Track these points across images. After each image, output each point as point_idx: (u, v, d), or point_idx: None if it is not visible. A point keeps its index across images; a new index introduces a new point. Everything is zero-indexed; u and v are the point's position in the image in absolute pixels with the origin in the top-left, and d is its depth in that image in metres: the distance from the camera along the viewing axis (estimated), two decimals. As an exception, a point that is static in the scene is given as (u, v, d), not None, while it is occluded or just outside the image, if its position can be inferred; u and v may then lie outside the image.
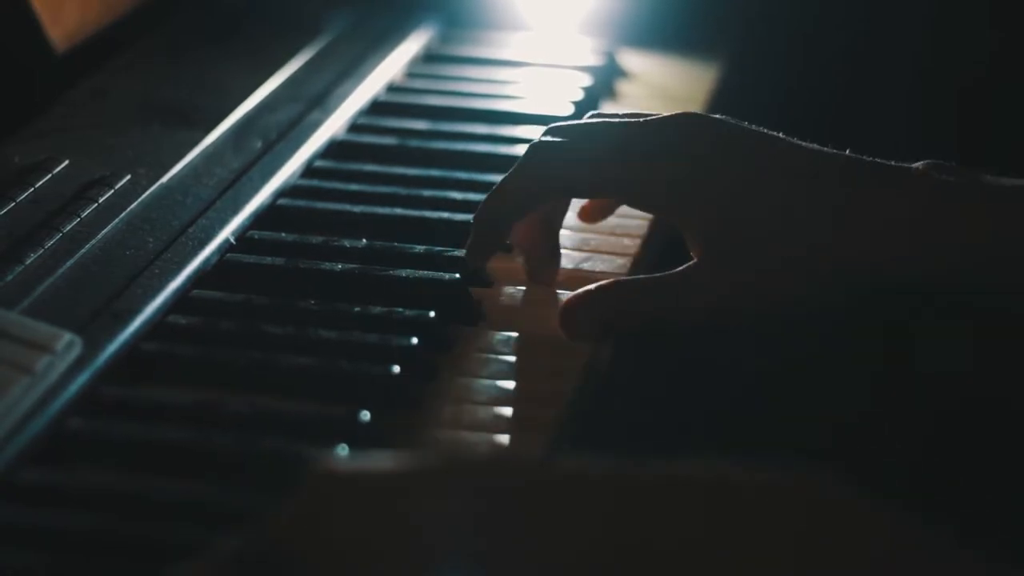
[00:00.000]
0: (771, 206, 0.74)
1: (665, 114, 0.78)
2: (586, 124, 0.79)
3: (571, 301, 0.75)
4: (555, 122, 0.97)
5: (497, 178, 0.86)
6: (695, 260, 0.75)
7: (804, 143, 0.77)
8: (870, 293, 0.74)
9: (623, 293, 0.76)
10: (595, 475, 0.50)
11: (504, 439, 0.68)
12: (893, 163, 0.75)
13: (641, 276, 0.77)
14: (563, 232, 0.85)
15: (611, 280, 0.76)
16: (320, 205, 0.86)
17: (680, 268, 0.75)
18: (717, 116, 0.78)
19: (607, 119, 0.79)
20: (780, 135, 0.77)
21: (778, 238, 0.74)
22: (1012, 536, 0.80)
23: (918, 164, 0.75)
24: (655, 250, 0.86)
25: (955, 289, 0.73)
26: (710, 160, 0.75)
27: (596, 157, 0.77)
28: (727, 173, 0.75)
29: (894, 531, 0.48)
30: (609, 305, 0.75)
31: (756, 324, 0.76)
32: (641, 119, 0.78)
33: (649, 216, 0.86)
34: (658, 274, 0.76)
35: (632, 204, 0.81)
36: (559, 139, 0.78)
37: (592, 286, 0.75)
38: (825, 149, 0.76)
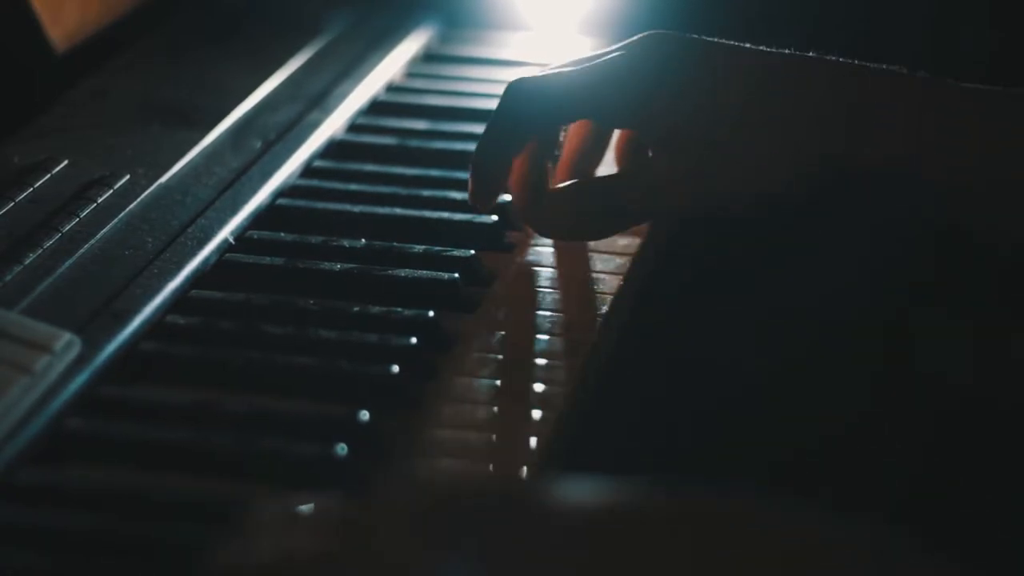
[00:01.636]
0: (733, 110, 0.76)
1: (635, 37, 0.81)
2: (563, 63, 0.82)
3: (530, 212, 0.80)
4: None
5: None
6: (658, 157, 0.78)
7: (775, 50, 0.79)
8: (852, 187, 0.75)
9: (588, 186, 0.80)
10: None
11: (503, 439, 0.68)
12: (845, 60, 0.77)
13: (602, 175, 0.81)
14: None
15: (560, 186, 0.81)
16: (319, 205, 0.86)
17: (644, 166, 0.79)
18: (681, 34, 0.80)
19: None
20: (748, 45, 0.79)
21: (756, 138, 0.76)
22: (1012, 536, 0.80)
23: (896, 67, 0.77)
24: (655, 250, 0.86)
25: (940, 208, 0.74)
26: (678, 74, 0.78)
27: (573, 81, 0.79)
28: (694, 84, 0.78)
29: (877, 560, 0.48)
30: (572, 198, 0.80)
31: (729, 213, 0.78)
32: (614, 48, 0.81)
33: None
34: (619, 172, 0.81)
35: (607, 123, 0.83)
36: (537, 74, 0.81)
37: (559, 186, 0.81)
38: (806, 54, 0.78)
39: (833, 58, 0.77)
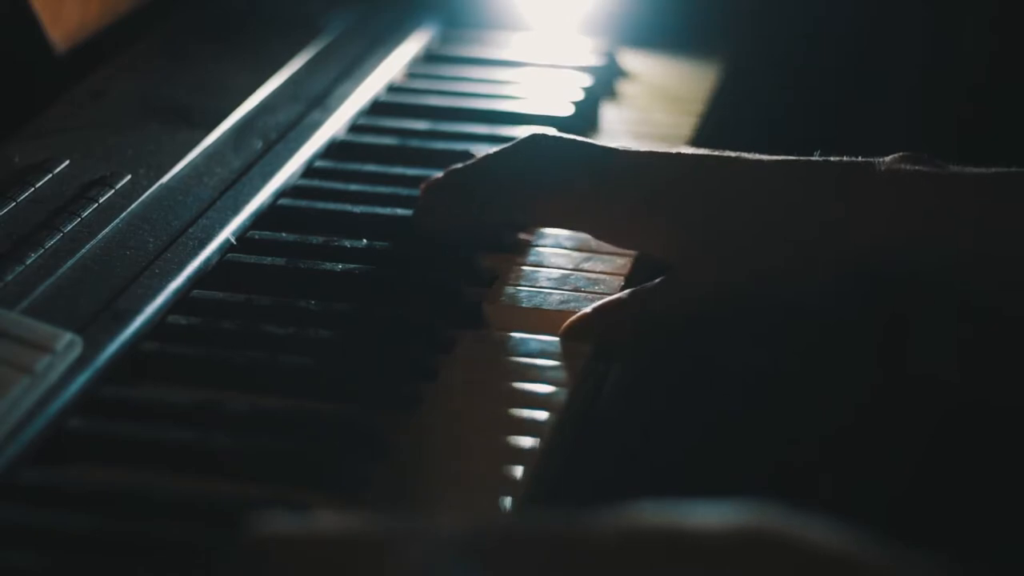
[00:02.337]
0: (738, 216, 0.76)
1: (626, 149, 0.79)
2: (536, 155, 0.80)
3: (567, 330, 0.76)
4: (555, 122, 0.97)
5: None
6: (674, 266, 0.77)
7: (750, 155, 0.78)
8: (855, 287, 0.74)
9: (613, 309, 0.77)
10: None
11: (503, 440, 0.68)
12: (860, 159, 0.76)
13: (624, 292, 0.78)
14: (563, 232, 0.85)
15: (597, 304, 0.77)
16: (320, 205, 0.86)
17: (659, 279, 0.77)
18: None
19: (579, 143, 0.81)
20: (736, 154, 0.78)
21: (750, 240, 0.75)
22: (1012, 538, 0.80)
23: (888, 157, 0.76)
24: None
25: (940, 283, 0.74)
26: (672, 191, 0.77)
27: (552, 190, 0.79)
28: (694, 199, 0.77)
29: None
30: (604, 323, 0.76)
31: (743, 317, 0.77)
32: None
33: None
34: (642, 286, 0.78)
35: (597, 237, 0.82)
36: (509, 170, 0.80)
37: (581, 312, 0.77)
38: (783, 158, 0.77)
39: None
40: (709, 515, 0.49)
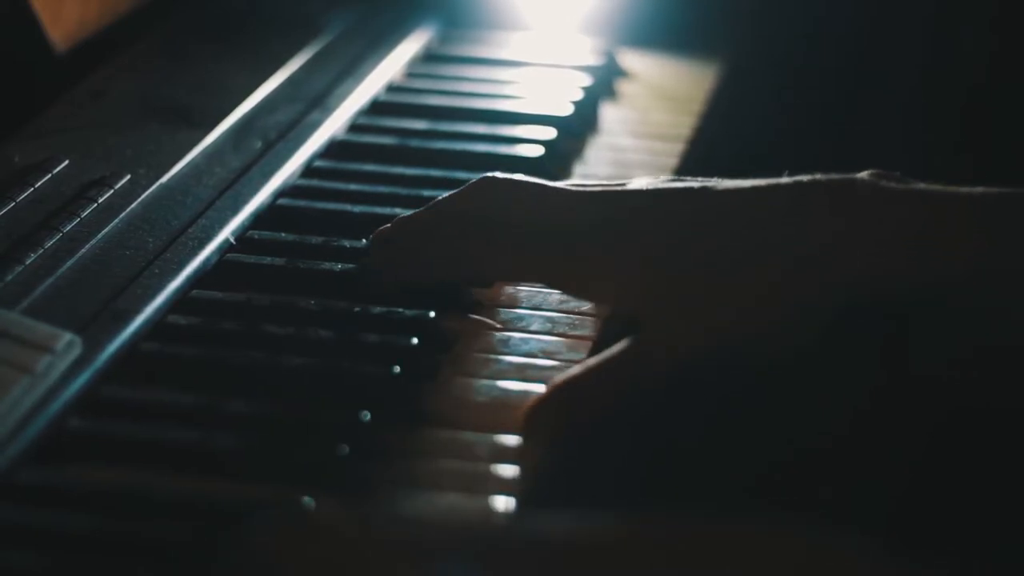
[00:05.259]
0: (709, 252, 0.71)
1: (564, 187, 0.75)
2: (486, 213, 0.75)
3: (529, 412, 0.69)
4: (554, 122, 0.97)
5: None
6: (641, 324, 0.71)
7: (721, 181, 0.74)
8: (844, 315, 0.72)
9: (578, 385, 0.70)
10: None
11: (504, 440, 0.68)
12: (836, 176, 0.72)
13: (589, 361, 0.71)
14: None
15: (559, 378, 0.70)
16: (320, 205, 0.86)
17: (626, 340, 0.71)
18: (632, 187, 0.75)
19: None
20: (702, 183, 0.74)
21: (728, 278, 0.70)
22: (1012, 538, 0.80)
23: (863, 173, 0.72)
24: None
25: (935, 306, 0.72)
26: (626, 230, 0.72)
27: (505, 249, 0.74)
28: (651, 236, 0.72)
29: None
30: (568, 401, 0.70)
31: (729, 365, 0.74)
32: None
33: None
34: (606, 353, 0.71)
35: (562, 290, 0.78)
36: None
37: (543, 391, 0.70)
38: (757, 181, 0.73)
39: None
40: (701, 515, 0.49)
